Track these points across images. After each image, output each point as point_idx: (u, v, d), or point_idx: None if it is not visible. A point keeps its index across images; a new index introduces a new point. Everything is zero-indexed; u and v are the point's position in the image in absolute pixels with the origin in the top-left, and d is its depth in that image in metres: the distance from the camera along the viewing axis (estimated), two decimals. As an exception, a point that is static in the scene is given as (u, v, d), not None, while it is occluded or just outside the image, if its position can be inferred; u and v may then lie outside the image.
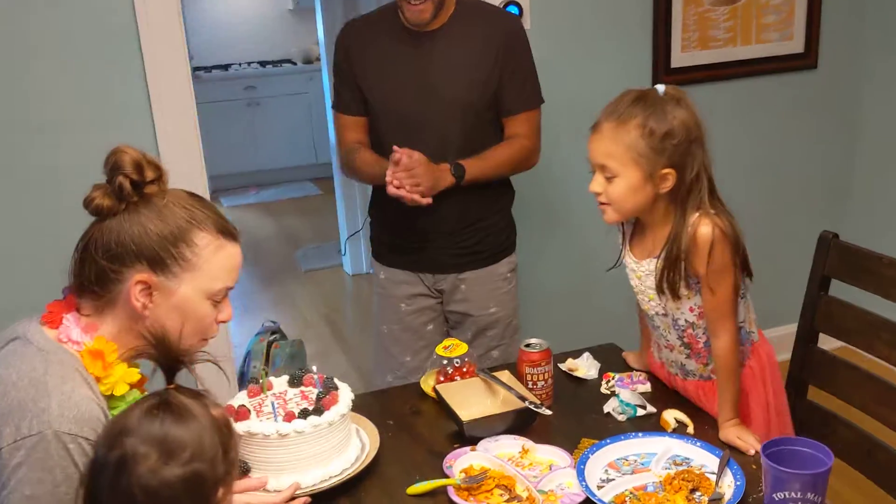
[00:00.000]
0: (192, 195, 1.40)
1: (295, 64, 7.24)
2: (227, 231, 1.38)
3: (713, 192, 1.67)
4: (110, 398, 1.28)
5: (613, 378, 1.85)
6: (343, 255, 5.03)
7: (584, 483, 1.47)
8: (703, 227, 1.61)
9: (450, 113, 2.18)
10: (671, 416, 1.70)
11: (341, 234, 4.97)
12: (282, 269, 5.25)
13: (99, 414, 1.22)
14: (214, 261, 1.35)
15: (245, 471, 1.50)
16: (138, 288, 1.30)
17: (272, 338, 3.23)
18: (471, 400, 1.75)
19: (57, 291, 1.41)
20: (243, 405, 1.55)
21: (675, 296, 1.68)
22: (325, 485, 1.50)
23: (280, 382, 1.65)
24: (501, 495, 1.49)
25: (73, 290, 1.36)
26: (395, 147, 2.05)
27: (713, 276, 1.62)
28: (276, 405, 1.56)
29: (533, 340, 1.80)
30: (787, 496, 1.28)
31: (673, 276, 1.66)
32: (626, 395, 1.77)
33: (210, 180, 6.95)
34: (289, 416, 1.51)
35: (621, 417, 1.73)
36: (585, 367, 1.93)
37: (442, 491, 1.50)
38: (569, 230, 3.11)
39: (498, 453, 1.61)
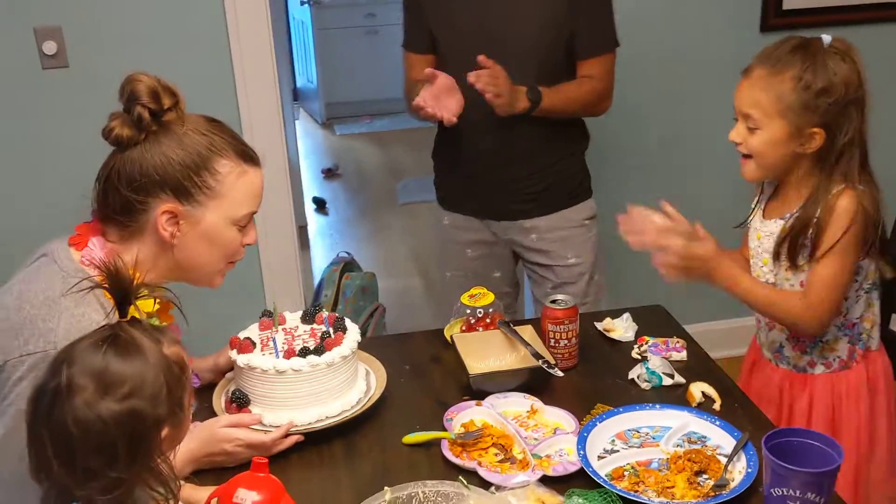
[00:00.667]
0: (211, 120, 1.40)
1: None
2: (248, 156, 1.39)
3: (864, 164, 1.55)
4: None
5: (648, 342, 1.74)
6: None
7: (581, 452, 1.39)
8: (846, 201, 1.51)
9: (518, 56, 2.05)
10: (698, 389, 1.58)
11: (439, 169, 4.92)
12: (381, 199, 5.27)
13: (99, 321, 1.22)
14: (238, 187, 1.36)
15: (244, 403, 1.50)
16: (165, 217, 1.33)
17: (344, 268, 3.24)
18: (488, 352, 1.69)
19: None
20: (248, 338, 1.54)
21: (793, 264, 1.59)
22: (320, 425, 1.48)
23: (293, 318, 1.63)
24: (496, 454, 1.44)
25: (98, 217, 1.39)
26: (481, 57, 1.95)
27: (832, 251, 1.52)
28: (281, 340, 1.55)
29: (559, 296, 1.71)
30: (786, 493, 1.17)
31: (796, 243, 1.57)
32: (655, 362, 1.66)
33: (326, 107, 7.10)
34: (288, 354, 1.49)
35: (645, 386, 1.63)
36: (623, 328, 1.82)
37: (437, 443, 1.46)
38: (665, 185, 2.92)
39: (504, 410, 1.55)
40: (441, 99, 2.00)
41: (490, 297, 1.78)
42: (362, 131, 6.67)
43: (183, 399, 1.08)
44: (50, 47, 2.53)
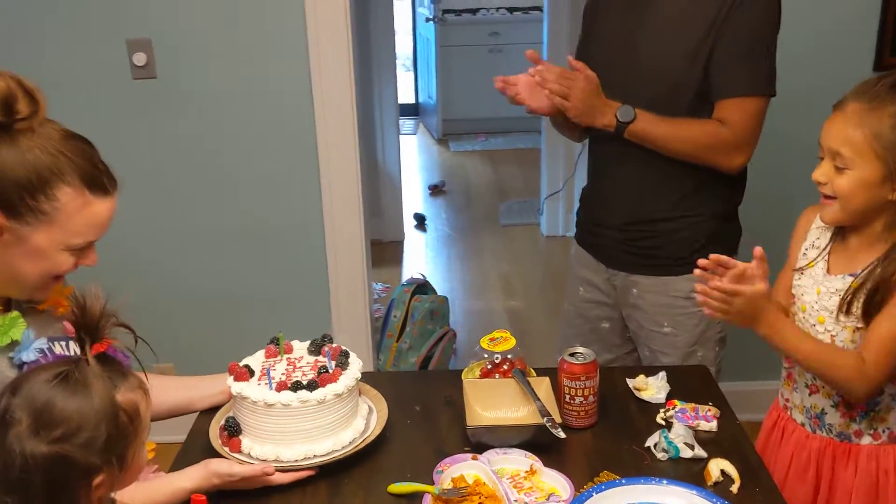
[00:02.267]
0: (69, 138, 1.27)
1: (543, 11, 7.06)
2: (97, 185, 1.26)
3: None
4: None
5: (676, 407, 1.61)
6: (541, 214, 4.89)
7: (566, 524, 1.29)
8: None
9: (642, 78, 1.88)
10: (718, 466, 1.44)
11: (542, 193, 4.83)
12: (482, 219, 5.23)
13: None
14: (76, 218, 1.25)
15: (234, 432, 1.48)
16: None
17: (415, 290, 3.21)
18: (498, 402, 1.60)
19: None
20: (247, 366, 1.52)
21: (868, 320, 1.46)
22: (306, 463, 1.45)
23: (301, 347, 1.61)
24: (479, 515, 1.36)
25: None
26: (569, 57, 1.85)
27: None
28: (280, 371, 1.52)
29: (579, 350, 1.60)
30: None
31: (871, 301, 1.45)
32: (677, 430, 1.52)
33: (442, 123, 7.16)
34: (280, 386, 1.46)
35: (662, 456, 1.50)
36: (655, 387, 1.69)
37: (421, 496, 1.39)
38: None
39: (501, 468, 1.46)
40: (537, 89, 1.87)
41: (511, 343, 1.69)
42: (476, 149, 6.65)
43: (126, 449, 1.04)
44: (140, 58, 2.63)
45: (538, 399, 1.55)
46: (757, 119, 1.86)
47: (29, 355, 1.28)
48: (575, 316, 2.18)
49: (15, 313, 1.31)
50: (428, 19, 6.71)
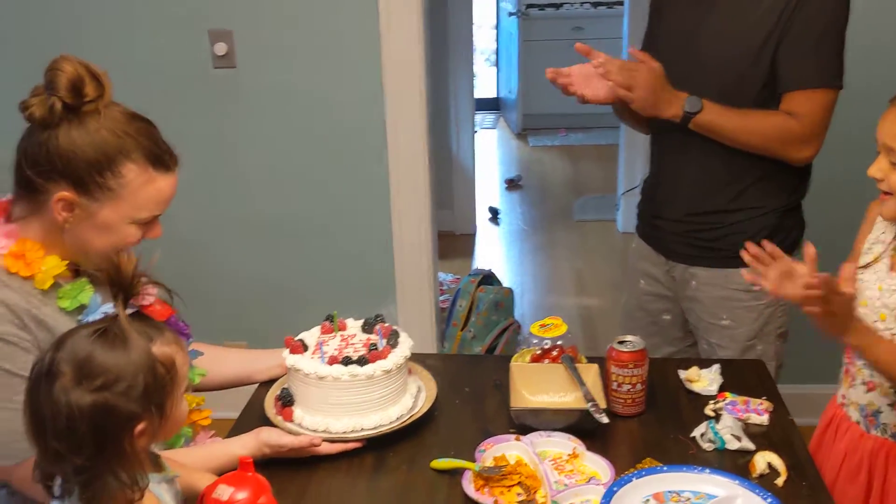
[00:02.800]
0: (132, 118, 1.35)
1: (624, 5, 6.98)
2: (160, 162, 1.35)
3: None
4: (53, 288, 1.34)
5: (727, 399, 1.59)
6: (617, 210, 4.85)
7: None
8: None
9: (707, 71, 1.86)
10: (764, 459, 1.43)
11: (618, 189, 4.79)
12: (556, 214, 5.21)
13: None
14: (141, 193, 1.33)
15: (287, 403, 1.54)
16: (60, 204, 1.31)
17: (481, 281, 3.24)
18: (545, 387, 1.62)
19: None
20: (301, 340, 1.58)
21: None
22: (353, 436, 1.49)
23: (354, 326, 1.65)
24: (518, 495, 1.37)
25: (13, 191, 1.39)
26: (633, 50, 1.85)
27: None
28: (334, 346, 1.57)
29: (628, 338, 1.60)
30: None
31: None
32: (725, 421, 1.51)
33: (522, 118, 7.15)
34: (332, 360, 1.51)
35: (707, 446, 1.49)
36: (708, 379, 1.68)
37: (462, 472, 1.42)
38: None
39: (543, 450, 1.48)
40: (592, 80, 1.87)
41: (562, 329, 1.70)
42: (555, 144, 6.62)
43: (165, 400, 1.10)
44: (221, 48, 2.73)
45: (584, 384, 1.56)
46: (826, 112, 1.82)
47: (95, 318, 1.37)
48: (636, 309, 2.17)
49: (83, 279, 1.40)
50: (511, 14, 6.72)
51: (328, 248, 2.90)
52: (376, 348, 1.54)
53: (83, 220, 1.33)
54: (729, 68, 1.85)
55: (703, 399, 1.63)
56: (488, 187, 5.59)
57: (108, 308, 1.37)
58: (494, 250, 4.75)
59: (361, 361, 1.50)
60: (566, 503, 1.34)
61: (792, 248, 1.89)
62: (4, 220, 1.39)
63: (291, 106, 2.80)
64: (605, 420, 1.48)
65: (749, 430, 1.52)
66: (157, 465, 1.21)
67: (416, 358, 1.68)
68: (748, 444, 1.47)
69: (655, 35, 2.02)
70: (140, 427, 1.08)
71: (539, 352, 1.69)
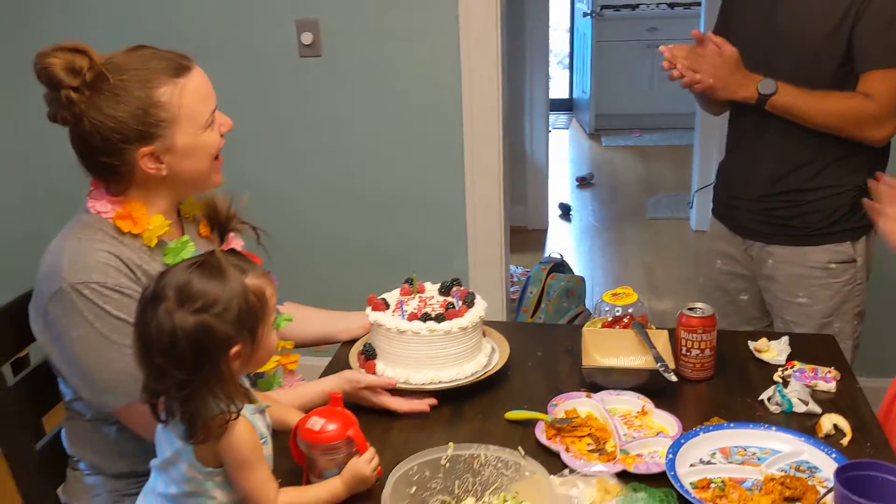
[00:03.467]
0: (131, 52, 1.43)
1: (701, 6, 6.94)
2: (179, 69, 1.42)
3: None
4: (159, 247, 1.46)
5: (795, 367, 1.63)
6: (690, 207, 4.84)
7: (670, 455, 1.35)
8: None
9: (784, 51, 1.89)
10: (831, 421, 1.46)
11: (692, 186, 4.78)
12: (628, 212, 5.23)
13: (108, 259, 1.39)
14: (186, 102, 1.41)
15: (370, 356, 1.64)
16: (145, 161, 1.41)
17: (552, 268, 3.29)
18: (615, 350, 1.68)
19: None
20: (384, 299, 1.67)
21: None
22: (431, 387, 1.58)
23: (432, 289, 1.74)
24: (588, 445, 1.44)
25: (94, 180, 1.48)
26: (710, 34, 1.90)
27: None
28: (413, 305, 1.66)
29: (698, 305, 1.65)
30: (851, 527, 1.07)
31: None
32: (793, 386, 1.55)
33: (595, 118, 7.17)
34: (411, 317, 1.60)
35: (774, 409, 1.53)
36: (777, 350, 1.71)
37: (535, 423, 1.49)
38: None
39: (613, 407, 1.54)
40: (697, 62, 1.89)
41: (633, 298, 1.76)
42: (628, 144, 6.63)
43: (256, 326, 1.21)
44: (307, 37, 2.86)
45: (654, 348, 1.61)
46: None
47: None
48: (713, 289, 2.20)
49: (186, 237, 1.52)
50: (585, 14, 6.75)
51: (403, 231, 2.99)
52: (453, 307, 1.63)
53: (170, 158, 1.43)
54: (805, 48, 1.88)
55: (772, 368, 1.67)
56: (560, 185, 5.64)
57: None
58: (565, 245, 4.79)
59: (439, 318, 1.59)
60: (634, 453, 1.40)
61: (870, 226, 1.91)
62: (106, 192, 1.49)
63: (372, 95, 2.91)
64: (674, 378, 1.53)
65: (816, 396, 1.55)
66: (249, 397, 1.31)
67: (490, 325, 1.77)
68: (815, 408, 1.51)
69: (729, 20, 2.06)
70: (235, 349, 1.19)
71: (610, 319, 1.75)
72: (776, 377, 1.62)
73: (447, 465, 1.28)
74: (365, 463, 1.29)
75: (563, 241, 4.88)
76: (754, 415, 1.52)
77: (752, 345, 1.74)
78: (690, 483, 1.32)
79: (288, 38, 2.88)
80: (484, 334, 1.73)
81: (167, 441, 1.26)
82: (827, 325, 1.98)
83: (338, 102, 2.93)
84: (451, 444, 1.30)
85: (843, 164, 1.93)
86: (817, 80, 1.88)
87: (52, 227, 1.50)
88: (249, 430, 1.24)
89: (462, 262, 2.97)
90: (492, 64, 2.82)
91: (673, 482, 1.29)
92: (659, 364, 1.56)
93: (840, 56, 1.85)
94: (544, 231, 4.94)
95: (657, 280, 4.22)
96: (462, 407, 1.58)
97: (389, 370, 1.61)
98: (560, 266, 3.36)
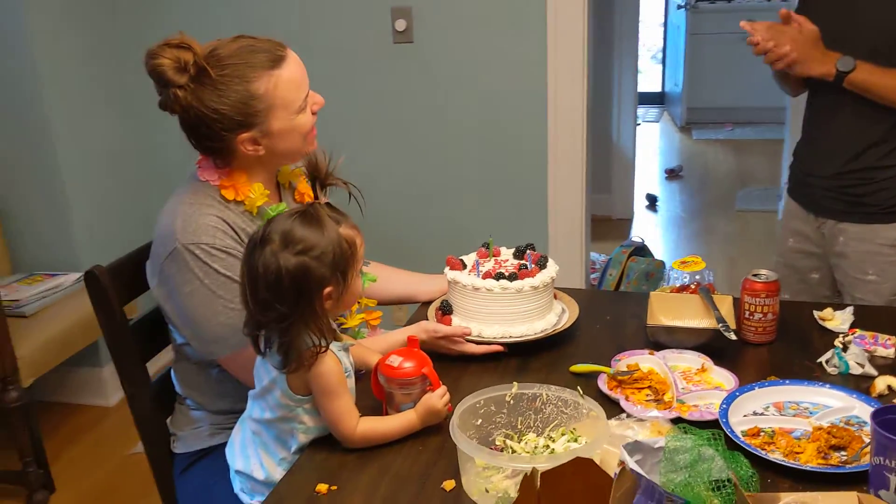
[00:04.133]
0: (231, 44, 1.53)
1: (800, -1, 6.82)
2: (273, 60, 1.52)
3: None
4: (260, 214, 1.60)
5: (856, 333, 1.68)
6: (779, 199, 4.80)
7: (724, 405, 1.44)
8: None
9: (862, 32, 1.93)
10: (885, 382, 1.51)
11: (782, 178, 4.74)
12: (716, 204, 5.22)
13: (216, 223, 1.53)
14: (280, 93, 1.53)
15: (447, 311, 1.77)
16: (245, 145, 1.55)
17: (633, 252, 3.35)
18: (680, 313, 1.76)
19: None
20: (461, 259, 1.80)
21: None
22: (502, 340, 1.70)
23: (507, 253, 1.86)
24: (647, 395, 1.53)
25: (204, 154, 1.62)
26: (791, 12, 1.95)
27: None
28: (489, 266, 1.78)
29: (762, 271, 1.72)
30: (884, 463, 1.13)
31: None
32: (852, 350, 1.60)
33: (686, 112, 7.12)
34: (486, 275, 1.72)
35: (832, 370, 1.59)
36: (841, 319, 1.76)
37: (598, 376, 1.59)
38: None
39: (674, 364, 1.62)
40: (778, 37, 1.92)
41: (701, 265, 1.83)
42: (719, 138, 6.58)
43: (347, 270, 1.36)
44: (401, 24, 3.02)
45: (717, 310, 1.69)
46: None
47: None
48: (783, 267, 2.25)
49: (282, 204, 1.67)
50: (680, 7, 6.73)
51: (484, 216, 3.12)
52: (526, 268, 1.74)
53: (267, 141, 1.58)
54: (884, 29, 1.92)
55: (834, 335, 1.72)
56: (648, 177, 5.66)
57: None
58: (650, 235, 4.82)
59: (511, 277, 1.70)
60: (690, 403, 1.49)
61: None
62: (213, 164, 1.64)
63: (460, 81, 3.04)
64: (734, 338, 1.61)
65: (874, 361, 1.60)
66: (336, 335, 1.46)
67: (563, 290, 1.88)
68: (871, 371, 1.56)
69: (808, 4, 2.11)
70: (328, 289, 1.34)
71: (678, 286, 1.83)
72: (837, 342, 1.68)
73: (511, 401, 1.40)
74: (437, 398, 1.43)
75: (648, 230, 4.92)
76: (811, 375, 1.58)
77: (816, 314, 1.79)
78: (741, 431, 1.40)
79: (383, 24, 3.04)
80: (556, 297, 1.84)
81: (265, 371, 1.42)
82: (895, 302, 2.02)
83: (427, 88, 3.08)
84: (515, 383, 1.41)
85: None
86: (895, 62, 1.91)
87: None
88: (336, 363, 1.39)
89: (542, 247, 3.06)
90: (577, 54, 2.92)
91: (724, 428, 1.37)
92: (720, 324, 1.63)
93: None
94: (629, 220, 4.98)
95: (741, 270, 4.21)
96: (529, 361, 1.69)
97: (464, 323, 1.73)
98: (641, 250, 3.42)
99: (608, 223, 4.82)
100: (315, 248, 1.33)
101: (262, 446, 1.47)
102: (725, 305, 1.73)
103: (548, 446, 1.35)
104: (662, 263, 3.39)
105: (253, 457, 1.48)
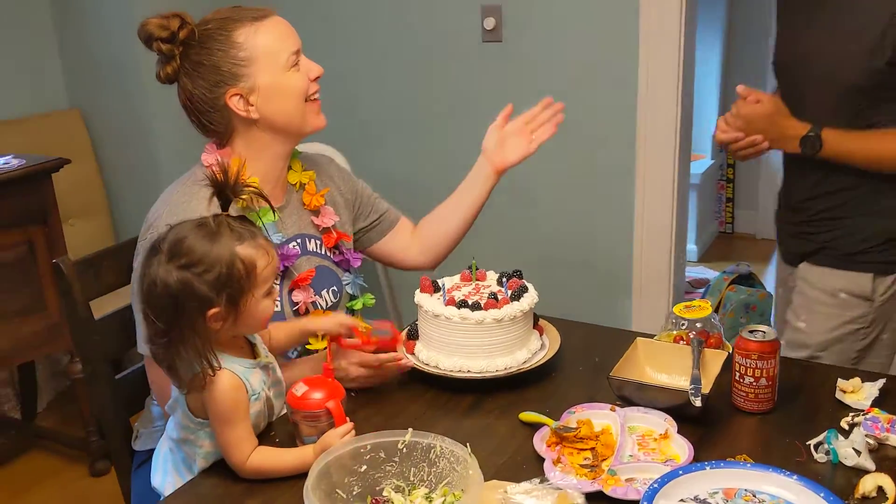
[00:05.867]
0: (218, 10, 1.58)
1: None
2: (259, 15, 1.57)
3: None
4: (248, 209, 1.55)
5: (870, 414, 1.39)
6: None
7: (656, 485, 1.23)
8: None
9: (820, 86, 1.77)
10: (875, 481, 1.23)
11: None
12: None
13: (203, 213, 1.43)
14: (261, 41, 1.55)
15: (412, 336, 1.65)
16: (234, 101, 1.55)
17: (735, 280, 3.03)
18: (668, 365, 1.54)
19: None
20: (435, 281, 1.67)
21: None
22: (458, 375, 1.55)
23: (492, 277, 1.70)
24: (586, 459, 1.34)
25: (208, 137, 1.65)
26: (740, 87, 1.80)
27: None
28: (463, 292, 1.64)
29: (761, 328, 1.46)
30: None
31: None
32: (854, 436, 1.32)
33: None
34: (449, 301, 1.58)
35: (820, 457, 1.32)
36: (866, 394, 1.47)
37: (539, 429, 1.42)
38: None
39: (634, 425, 1.42)
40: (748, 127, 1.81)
41: (705, 312, 1.60)
42: None
43: (238, 293, 1.27)
44: (489, 23, 2.89)
45: (697, 368, 1.46)
46: None
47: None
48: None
49: (266, 208, 1.59)
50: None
51: (564, 225, 2.93)
52: (495, 298, 1.59)
53: (257, 99, 1.57)
54: (841, 79, 1.73)
55: (849, 411, 1.44)
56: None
57: (275, 238, 1.59)
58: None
59: (474, 307, 1.56)
60: (624, 476, 1.28)
61: None
62: (217, 147, 1.65)
63: (547, 82, 2.86)
64: (698, 404, 1.37)
65: (882, 451, 1.32)
66: (251, 352, 1.39)
67: (563, 323, 1.73)
68: (868, 464, 1.28)
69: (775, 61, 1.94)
70: (213, 311, 1.26)
71: (675, 332, 1.60)
72: (843, 422, 1.39)
73: (404, 449, 1.26)
74: (336, 436, 1.31)
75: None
76: (793, 459, 1.32)
77: (840, 384, 1.50)
78: (665, 519, 1.19)
79: (473, 22, 2.92)
80: (542, 331, 1.67)
81: (172, 388, 1.38)
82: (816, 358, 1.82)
83: (514, 88, 2.93)
84: (410, 429, 1.28)
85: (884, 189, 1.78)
86: (864, 113, 1.74)
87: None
88: (233, 388, 1.31)
89: (623, 260, 2.84)
90: (671, 62, 2.68)
91: (640, 515, 1.17)
92: (691, 385, 1.40)
93: (882, 85, 1.70)
94: (774, 241, 4.54)
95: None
96: (485, 399, 1.54)
97: (425, 352, 1.61)
98: (746, 278, 3.09)
99: (749, 242, 4.43)
100: (200, 265, 1.25)
101: (174, 466, 1.43)
102: (715, 362, 1.49)
103: (426, 506, 1.21)
104: (769, 296, 3.02)
105: (169, 473, 1.44)
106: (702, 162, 4.54)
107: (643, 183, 2.79)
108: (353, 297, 1.80)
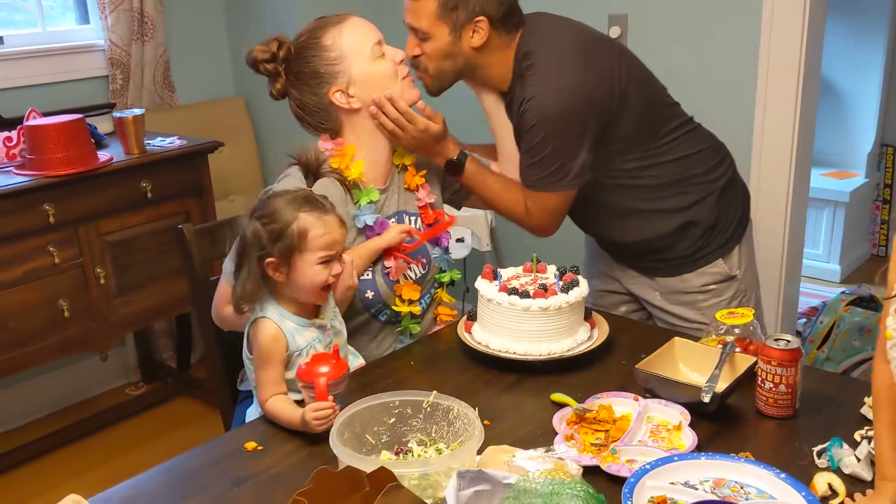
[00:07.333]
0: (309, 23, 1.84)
1: None
2: (340, 19, 1.80)
3: None
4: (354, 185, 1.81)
5: (885, 429, 1.42)
6: None
7: (647, 466, 1.34)
8: None
9: None
10: (825, 480, 1.30)
11: None
12: None
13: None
14: (346, 39, 1.78)
15: (471, 318, 1.82)
16: (337, 97, 1.79)
17: (853, 301, 2.95)
18: (699, 365, 1.62)
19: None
20: (497, 269, 1.82)
21: None
22: (504, 355, 1.71)
23: (551, 269, 1.84)
24: (598, 439, 1.46)
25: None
26: (421, 104, 1.89)
27: None
28: (520, 281, 1.79)
29: (786, 336, 1.51)
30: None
31: None
32: (861, 447, 1.36)
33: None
34: (502, 288, 1.74)
35: (821, 462, 1.37)
36: None
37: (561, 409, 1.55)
38: None
39: (652, 415, 1.52)
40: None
41: (747, 318, 1.66)
42: None
43: (289, 251, 1.51)
44: (615, 31, 2.99)
45: (719, 367, 1.54)
46: (550, 209, 1.96)
47: (364, 220, 1.82)
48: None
49: (370, 186, 1.85)
50: None
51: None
52: (545, 289, 1.73)
53: (356, 90, 1.80)
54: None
55: (867, 424, 1.47)
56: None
57: (370, 217, 1.82)
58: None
59: (523, 295, 1.70)
60: (625, 458, 1.40)
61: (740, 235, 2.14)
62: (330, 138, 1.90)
63: (671, 90, 2.92)
64: (706, 399, 1.46)
65: (888, 465, 1.35)
66: (314, 313, 1.61)
67: (619, 320, 1.88)
68: (863, 472, 1.32)
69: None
70: (269, 259, 1.52)
71: (714, 336, 1.68)
72: (857, 434, 1.43)
73: (428, 409, 1.44)
74: (310, 410, 1.45)
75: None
76: (794, 462, 1.38)
77: (867, 400, 1.53)
78: (649, 497, 1.29)
79: (599, 30, 3.02)
80: (593, 325, 1.80)
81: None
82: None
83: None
84: (434, 391, 1.45)
85: (667, 210, 2.03)
86: None
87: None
88: (273, 337, 1.54)
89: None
90: (790, 79, 2.68)
91: (624, 487, 1.29)
92: (706, 383, 1.49)
93: None
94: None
95: None
96: (525, 379, 1.69)
97: (479, 333, 1.78)
98: (865, 300, 3.00)
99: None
100: (268, 218, 1.52)
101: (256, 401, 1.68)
102: (741, 364, 1.56)
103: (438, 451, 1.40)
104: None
105: (256, 406, 1.68)
106: (853, 180, 4.38)
107: (756, 194, 2.79)
108: (441, 271, 2.00)
